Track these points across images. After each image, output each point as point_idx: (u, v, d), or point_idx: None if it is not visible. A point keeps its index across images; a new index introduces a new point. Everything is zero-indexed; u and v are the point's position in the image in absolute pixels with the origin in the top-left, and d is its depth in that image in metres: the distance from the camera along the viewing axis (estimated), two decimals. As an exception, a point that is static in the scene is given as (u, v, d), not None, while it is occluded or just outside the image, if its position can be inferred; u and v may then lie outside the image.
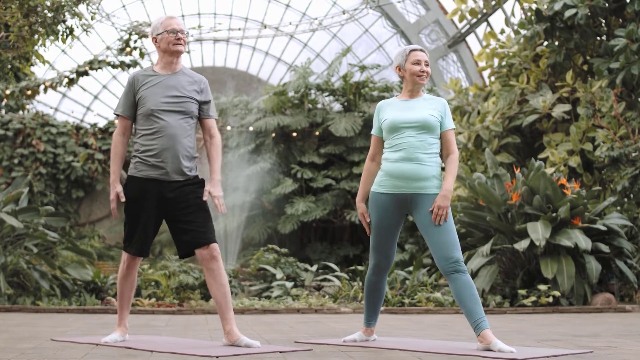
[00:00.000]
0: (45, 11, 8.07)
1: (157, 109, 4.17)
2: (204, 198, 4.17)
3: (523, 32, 12.98)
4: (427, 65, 4.21)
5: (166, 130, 4.15)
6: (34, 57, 10.01)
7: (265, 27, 19.21)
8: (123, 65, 15.16)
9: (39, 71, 18.42)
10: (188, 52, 15.97)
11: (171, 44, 4.25)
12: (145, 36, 15.12)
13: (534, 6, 12.83)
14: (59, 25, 8.19)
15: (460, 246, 4.05)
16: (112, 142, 4.34)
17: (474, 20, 17.43)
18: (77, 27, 8.56)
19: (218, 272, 4.11)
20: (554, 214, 8.93)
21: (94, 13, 8.86)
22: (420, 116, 4.12)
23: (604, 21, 12.29)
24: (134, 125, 4.30)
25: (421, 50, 4.24)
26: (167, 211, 4.20)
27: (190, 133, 4.24)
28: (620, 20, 12.07)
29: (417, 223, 4.13)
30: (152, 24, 4.35)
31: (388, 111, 4.23)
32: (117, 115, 4.31)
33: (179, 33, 4.27)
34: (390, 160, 4.14)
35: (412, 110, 4.16)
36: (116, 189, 4.21)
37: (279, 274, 10.30)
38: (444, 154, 4.19)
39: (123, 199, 4.19)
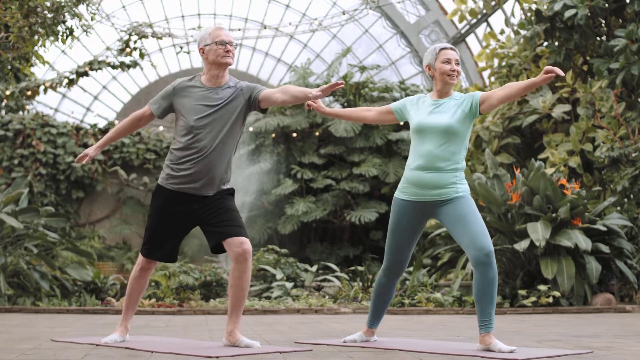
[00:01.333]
0: (45, 12, 8.07)
1: (197, 125, 4.07)
2: (317, 94, 3.89)
3: (523, 32, 12.99)
4: (457, 64, 4.12)
5: (204, 148, 4.06)
6: (33, 58, 10.02)
7: (265, 27, 19.21)
8: (123, 66, 15.17)
9: (39, 72, 18.42)
10: (188, 52, 15.96)
11: (219, 56, 4.12)
12: (145, 37, 15.12)
13: (533, 6, 12.83)
14: (59, 26, 8.20)
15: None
16: (127, 117, 4.29)
17: (474, 20, 17.43)
18: (77, 28, 8.56)
19: (245, 275, 4.01)
20: (554, 215, 8.93)
21: (94, 14, 8.86)
22: (443, 122, 4.02)
23: (603, 21, 12.29)
24: (174, 137, 4.21)
25: (451, 48, 4.15)
26: (196, 221, 4.16)
27: (228, 150, 4.14)
28: (620, 20, 12.07)
29: (444, 224, 4.07)
30: (200, 34, 4.22)
31: (417, 110, 4.15)
32: (149, 107, 4.25)
33: (228, 45, 4.14)
34: (411, 168, 4.09)
35: (437, 115, 4.06)
36: (90, 151, 4.19)
37: (279, 275, 10.30)
38: (499, 95, 3.96)
39: (85, 162, 4.20)
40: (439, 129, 4.02)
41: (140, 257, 4.27)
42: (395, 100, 16.13)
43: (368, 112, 4.38)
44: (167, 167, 4.18)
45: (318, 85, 16.21)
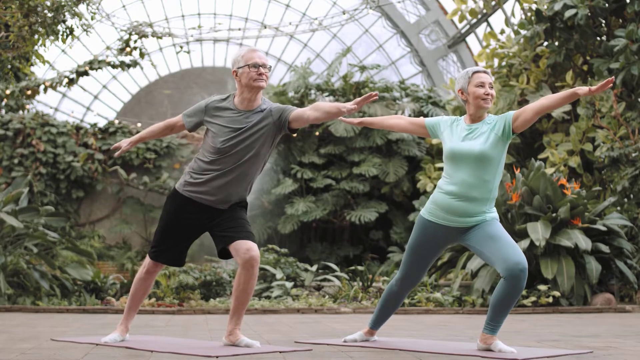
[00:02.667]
0: (45, 11, 8.07)
1: (223, 148, 4.05)
2: (351, 107, 3.81)
3: (523, 32, 12.99)
4: (491, 87, 4.02)
5: (226, 172, 4.05)
6: (34, 57, 10.02)
7: (265, 27, 19.21)
8: (123, 66, 15.17)
9: (39, 71, 18.42)
10: (188, 52, 15.97)
11: (252, 79, 4.08)
12: (145, 36, 15.11)
13: (534, 6, 12.84)
14: (59, 25, 8.20)
15: None
16: (163, 122, 4.32)
17: (474, 20, 17.43)
18: (77, 27, 8.56)
19: (251, 281, 3.99)
20: (554, 214, 8.93)
21: (94, 13, 8.87)
22: (477, 149, 3.93)
23: (604, 21, 12.29)
24: (202, 147, 4.19)
25: (485, 72, 4.06)
26: (205, 228, 4.17)
27: (252, 174, 4.12)
28: (620, 20, 12.07)
29: (473, 247, 3.99)
30: (234, 55, 4.19)
31: (451, 134, 4.07)
32: (182, 119, 4.23)
33: (262, 67, 4.11)
34: (443, 192, 4.01)
35: (471, 141, 3.98)
36: (121, 144, 4.24)
37: (279, 274, 10.29)
38: (536, 109, 3.88)
39: (117, 154, 4.25)
40: (472, 155, 3.93)
41: (147, 260, 4.26)
42: (395, 100, 16.14)
43: (399, 120, 4.29)
44: (187, 174, 4.17)
45: (318, 85, 16.22)
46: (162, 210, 4.25)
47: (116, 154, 4.27)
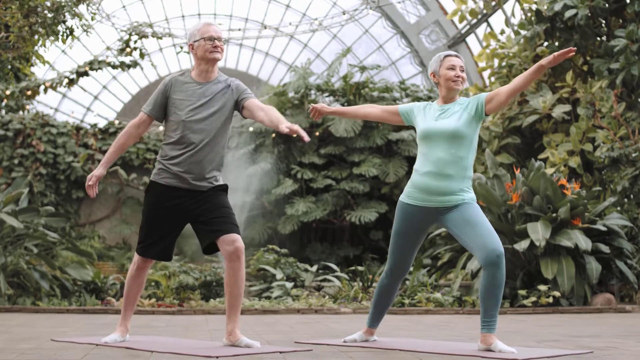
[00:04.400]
0: (46, 12, 8.08)
1: (187, 119, 4.11)
2: (285, 129, 3.86)
3: (523, 32, 12.99)
4: (462, 70, 4.15)
5: (194, 142, 4.10)
6: (34, 58, 10.02)
7: (265, 27, 19.22)
8: (123, 66, 15.17)
9: (39, 71, 18.42)
10: (188, 52, 15.93)
11: (208, 52, 4.16)
12: (145, 37, 15.11)
13: (534, 7, 12.84)
14: (59, 26, 8.20)
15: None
16: (124, 130, 4.28)
17: (474, 20, 17.43)
18: (77, 28, 8.56)
19: (239, 273, 4.04)
20: (554, 215, 8.93)
21: (94, 13, 8.86)
22: (450, 126, 4.03)
23: (604, 22, 12.29)
24: (165, 132, 4.24)
25: (456, 55, 4.19)
26: (188, 217, 4.17)
27: (219, 145, 4.17)
28: (621, 20, 12.07)
29: (449, 229, 4.07)
30: (189, 30, 4.27)
31: (424, 116, 4.17)
32: (144, 112, 4.25)
33: (216, 40, 4.18)
34: (419, 173, 4.09)
35: (444, 120, 4.08)
36: (96, 172, 4.18)
37: (279, 275, 10.29)
38: (507, 91, 4.00)
39: (90, 183, 4.13)
40: (446, 133, 4.03)
41: (136, 256, 4.27)
42: (395, 100, 16.13)
43: (372, 108, 4.40)
44: (159, 163, 4.21)
45: (318, 86, 16.26)
46: (143, 205, 4.27)
47: (90, 182, 4.15)
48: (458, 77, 4.13)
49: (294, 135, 3.93)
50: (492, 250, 3.86)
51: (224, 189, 4.23)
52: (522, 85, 4.01)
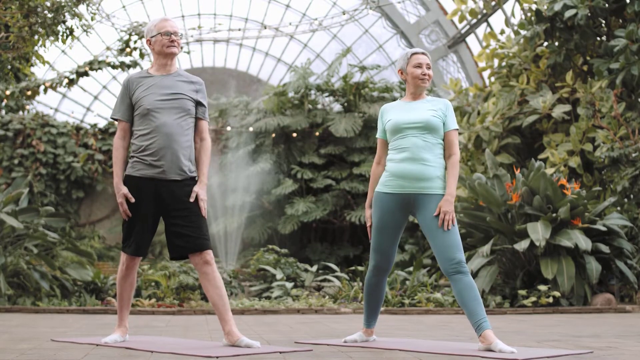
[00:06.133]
0: (45, 12, 8.07)
1: (153, 108, 4.17)
2: (191, 199, 4.13)
3: (523, 32, 12.99)
4: (428, 68, 4.25)
5: (163, 129, 4.15)
6: (34, 58, 10.01)
7: (265, 27, 19.21)
8: (123, 66, 15.16)
9: (39, 72, 18.42)
10: (188, 52, 15.96)
11: (165, 46, 4.27)
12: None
13: (534, 7, 12.83)
14: (59, 26, 8.19)
15: (462, 247, 4.06)
16: (114, 146, 4.32)
17: (474, 20, 17.43)
18: (77, 28, 8.55)
19: (212, 276, 4.11)
20: (554, 215, 8.93)
21: (94, 14, 8.86)
22: (422, 117, 4.14)
23: (604, 22, 12.29)
24: (133, 131, 4.27)
25: (423, 53, 4.28)
26: (163, 210, 4.20)
27: (187, 132, 4.23)
28: (620, 20, 12.07)
29: (420, 224, 4.15)
30: (147, 26, 4.36)
31: (391, 113, 4.28)
32: (115, 119, 4.31)
33: (173, 35, 4.27)
34: (395, 161, 4.17)
35: (414, 111, 4.19)
36: (122, 190, 4.19)
37: (279, 275, 10.30)
38: (445, 155, 4.19)
39: (132, 200, 4.16)
40: (418, 123, 4.14)
41: (124, 256, 4.29)
42: (395, 99, 16.10)
43: (378, 165, 4.40)
44: (131, 158, 4.25)
45: (318, 86, 16.27)
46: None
47: (127, 202, 4.19)
48: (425, 75, 4.24)
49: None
50: (450, 260, 3.97)
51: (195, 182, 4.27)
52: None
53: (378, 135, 4.41)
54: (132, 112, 4.28)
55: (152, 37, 4.30)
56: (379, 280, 4.36)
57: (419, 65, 4.23)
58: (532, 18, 12.50)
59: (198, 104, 4.31)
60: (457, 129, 4.22)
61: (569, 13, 11.43)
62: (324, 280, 10.62)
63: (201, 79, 4.40)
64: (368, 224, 4.33)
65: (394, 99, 16.11)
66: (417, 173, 4.08)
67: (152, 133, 4.16)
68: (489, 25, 17.17)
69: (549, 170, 10.98)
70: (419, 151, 4.09)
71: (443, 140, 4.19)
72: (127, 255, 4.26)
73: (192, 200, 4.13)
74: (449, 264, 3.97)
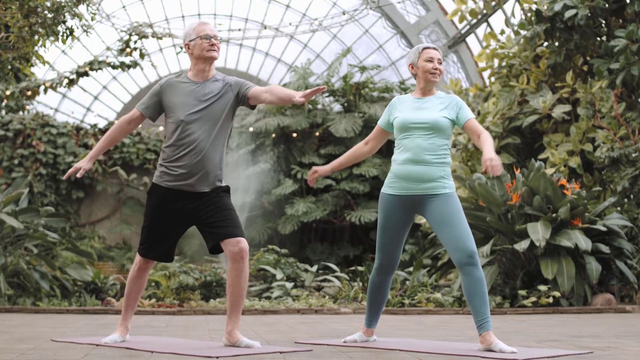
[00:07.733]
0: (46, 12, 8.07)
1: (187, 120, 4.09)
2: (301, 100, 3.86)
3: (523, 32, 12.98)
4: (440, 63, 4.22)
5: (195, 142, 4.07)
6: (34, 58, 10.01)
7: (265, 27, 19.21)
8: (123, 66, 15.17)
9: (39, 72, 18.42)
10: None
11: (205, 50, 4.15)
12: (145, 37, 15.11)
13: (534, 7, 12.83)
14: (59, 26, 8.19)
15: (474, 239, 4.03)
16: (116, 124, 4.26)
17: (474, 21, 17.43)
18: (77, 28, 8.55)
19: (242, 274, 4.02)
20: (554, 215, 8.93)
21: (94, 14, 8.85)
22: (430, 117, 4.10)
23: (604, 22, 12.29)
24: (165, 135, 4.21)
25: (434, 48, 4.25)
26: (192, 220, 4.16)
27: (220, 145, 4.15)
28: (621, 20, 12.07)
29: (429, 223, 4.13)
30: (185, 30, 4.26)
31: (400, 109, 4.24)
32: (137, 109, 4.23)
33: (213, 39, 4.17)
34: (398, 162, 4.15)
35: (423, 111, 4.15)
36: (85, 165, 4.15)
37: (279, 275, 10.30)
38: (475, 138, 4.09)
39: (79, 175, 4.12)
40: (425, 124, 4.09)
41: (138, 257, 4.27)
42: (395, 100, 16.12)
43: (365, 144, 4.46)
44: (160, 166, 4.18)
45: (318, 85, 16.23)
46: (146, 206, 4.25)
47: (78, 174, 4.16)
48: (436, 69, 4.20)
49: (319, 94, 3.95)
50: (463, 251, 3.93)
51: (226, 190, 4.21)
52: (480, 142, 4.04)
53: (380, 122, 4.37)
54: (155, 112, 4.23)
55: (190, 40, 4.19)
56: (383, 280, 4.35)
57: (431, 60, 4.19)
58: (532, 18, 12.50)
59: (239, 91, 4.17)
60: (474, 117, 4.15)
61: (569, 13, 11.43)
62: (324, 280, 10.62)
63: (237, 79, 4.26)
64: (310, 172, 4.38)
65: (394, 99, 16.09)
66: (420, 175, 4.06)
67: (183, 147, 4.08)
68: (489, 25, 17.18)
69: (549, 171, 10.98)
70: (422, 153, 4.06)
71: (465, 130, 4.13)
72: (141, 258, 4.25)
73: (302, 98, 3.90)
74: (463, 254, 3.92)
